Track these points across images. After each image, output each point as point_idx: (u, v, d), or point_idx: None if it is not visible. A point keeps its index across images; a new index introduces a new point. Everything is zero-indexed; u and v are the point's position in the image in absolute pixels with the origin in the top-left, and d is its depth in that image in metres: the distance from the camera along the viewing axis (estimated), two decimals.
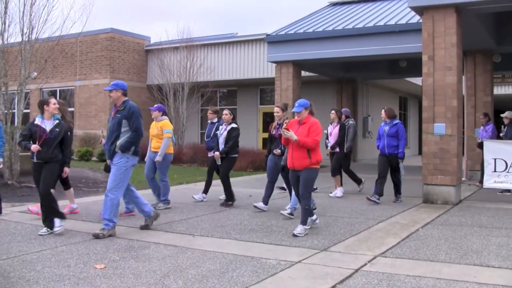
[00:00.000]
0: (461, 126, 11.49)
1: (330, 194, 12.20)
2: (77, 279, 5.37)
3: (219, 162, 10.52)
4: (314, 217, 8.11)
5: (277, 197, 11.53)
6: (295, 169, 7.81)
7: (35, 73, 15.66)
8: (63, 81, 27.29)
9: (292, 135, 7.62)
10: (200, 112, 27.30)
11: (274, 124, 10.06)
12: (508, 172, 10.82)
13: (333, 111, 12.53)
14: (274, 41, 18.62)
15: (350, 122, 12.75)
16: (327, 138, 12.49)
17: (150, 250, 6.72)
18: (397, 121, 11.10)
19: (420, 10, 11.24)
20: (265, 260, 6.17)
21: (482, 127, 14.13)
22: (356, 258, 6.26)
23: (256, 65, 24.76)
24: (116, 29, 26.53)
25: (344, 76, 23.45)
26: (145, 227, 8.09)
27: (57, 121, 8.09)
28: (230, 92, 27.68)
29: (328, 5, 23.10)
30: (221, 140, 10.52)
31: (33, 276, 5.48)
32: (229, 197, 10.55)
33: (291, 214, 9.08)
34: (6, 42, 14.15)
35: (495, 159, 10.95)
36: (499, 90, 30.12)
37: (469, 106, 16.14)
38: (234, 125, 10.59)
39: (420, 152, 26.18)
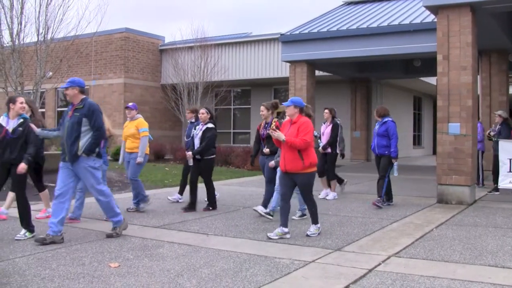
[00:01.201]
0: (476, 126, 11.41)
1: (319, 196, 11.49)
2: (92, 277, 5.41)
3: (190, 163, 9.97)
4: (287, 229, 7.45)
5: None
6: (287, 172, 7.42)
7: (50, 73, 15.79)
8: None
9: (280, 135, 7.29)
10: (214, 112, 27.35)
11: (262, 123, 9.62)
12: None
13: (326, 110, 12.07)
14: (288, 40, 18.61)
15: (338, 121, 12.02)
16: (319, 138, 11.90)
17: (164, 249, 6.75)
18: (387, 119, 10.48)
19: (435, 9, 11.18)
20: (278, 259, 6.17)
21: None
22: (370, 258, 6.25)
23: (270, 64, 24.76)
24: (131, 29, 26.65)
25: (358, 76, 23.40)
26: (42, 241, 7.00)
27: (22, 120, 7.60)
28: (244, 91, 27.71)
29: (342, 5, 23.05)
30: (197, 141, 9.95)
31: (48, 274, 5.52)
32: (212, 203, 10.03)
33: (303, 215, 8.94)
34: (22, 42, 14.29)
35: (510, 159, 10.86)
36: None
37: (484, 106, 16.05)
38: (210, 125, 9.95)
39: (434, 152, 26.01)
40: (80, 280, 5.31)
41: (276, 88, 26.48)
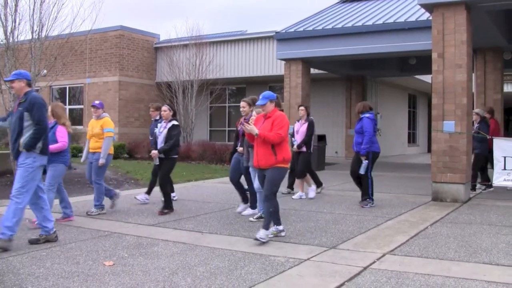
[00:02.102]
0: (471, 124, 11.43)
1: (293, 197, 11.26)
2: (86, 276, 5.39)
3: (156, 162, 9.57)
4: (281, 227, 7.36)
5: (281, 195, 11.54)
6: (261, 168, 7.19)
7: (45, 71, 15.73)
8: (72, 79, 27.38)
9: (253, 128, 7.04)
10: (209, 110, 27.37)
11: (241, 120, 9.09)
12: None
13: (302, 107, 11.65)
14: (283, 38, 18.61)
15: (311, 118, 11.66)
16: (292, 136, 11.56)
17: (158, 247, 6.74)
18: (364, 115, 10.16)
19: (430, 7, 11.18)
20: (273, 257, 6.17)
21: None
22: (364, 256, 6.25)
23: (265, 62, 24.75)
24: (126, 27, 26.57)
25: (354, 74, 23.41)
26: (35, 242, 6.90)
27: None
28: (239, 89, 27.68)
29: (337, 3, 23.06)
30: (160, 140, 9.47)
31: (43, 272, 5.50)
32: (167, 205, 9.40)
33: (261, 217, 8.43)
34: (16, 40, 14.22)
35: (505, 157, 10.88)
36: (509, 88, 29.90)
37: (479, 104, 16.07)
38: (174, 122, 9.49)
39: (429, 150, 26.12)
40: (75, 278, 5.29)
41: (271, 86, 26.44)
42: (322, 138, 19.04)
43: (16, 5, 13.98)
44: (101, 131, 9.47)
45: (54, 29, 14.93)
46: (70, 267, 5.71)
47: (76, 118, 27.37)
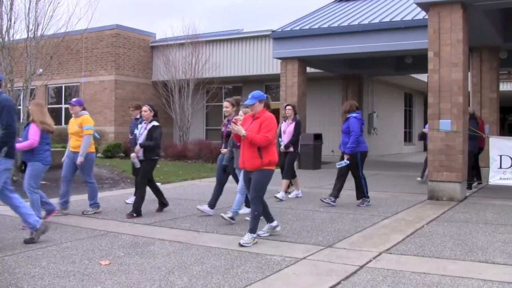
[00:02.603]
0: (467, 122, 11.44)
1: (290, 196, 11.18)
2: (82, 275, 5.38)
3: (137, 165, 9.20)
4: (275, 223, 7.32)
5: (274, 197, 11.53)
6: (246, 170, 7.04)
7: (41, 70, 15.70)
8: (68, 78, 27.33)
9: (240, 129, 6.84)
10: (205, 109, 27.35)
11: (225, 121, 9.17)
12: None
13: (289, 106, 11.38)
14: (279, 37, 18.60)
15: (298, 118, 11.48)
16: (279, 136, 11.27)
17: (155, 246, 6.73)
18: (350, 114, 10.01)
19: (426, 6, 11.19)
20: (269, 256, 6.17)
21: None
22: (361, 255, 6.25)
23: (261, 61, 24.74)
24: (122, 26, 26.52)
25: (350, 73, 23.41)
26: (30, 241, 6.83)
27: None
28: (236, 88, 27.65)
29: (334, 1, 23.05)
30: (140, 141, 9.14)
31: (38, 272, 5.49)
32: (137, 209, 8.96)
33: (232, 218, 8.23)
34: (12, 39, 14.18)
35: (501, 156, 10.90)
36: (505, 87, 29.99)
37: (474, 102, 16.08)
38: (155, 123, 9.18)
39: (425, 149, 26.16)
40: (71, 278, 5.28)
41: (267, 85, 26.45)
42: (318, 137, 19.05)
43: (11, 4, 13.96)
44: (80, 129, 9.20)
45: (50, 28, 14.92)
46: (66, 267, 5.70)
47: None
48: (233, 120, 7.02)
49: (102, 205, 9.62)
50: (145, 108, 9.30)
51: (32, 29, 14.38)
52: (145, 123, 9.30)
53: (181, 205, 10.12)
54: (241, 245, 6.64)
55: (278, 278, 5.34)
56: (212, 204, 9.04)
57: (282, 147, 11.11)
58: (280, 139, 11.24)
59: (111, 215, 9.08)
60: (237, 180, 8.89)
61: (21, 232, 7.53)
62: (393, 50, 16.98)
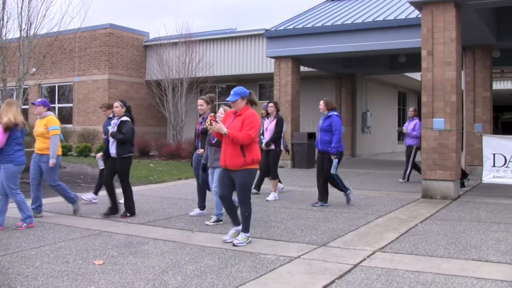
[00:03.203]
0: (460, 121, 11.48)
1: (268, 198, 10.71)
2: (76, 275, 5.37)
3: (101, 166, 9.04)
4: (249, 233, 6.91)
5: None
6: (227, 168, 6.76)
7: (34, 69, 15.67)
8: (61, 77, 27.25)
9: (221, 127, 6.58)
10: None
11: (199, 119, 8.93)
12: (507, 167, 10.81)
13: (271, 104, 11.21)
14: (273, 36, 18.59)
15: (280, 115, 11.30)
16: (262, 134, 11.11)
17: (149, 246, 6.72)
18: (332, 113, 9.77)
19: (419, 5, 11.22)
20: (264, 255, 6.16)
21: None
22: (355, 254, 6.26)
23: (255, 60, 24.73)
24: (115, 25, 26.46)
25: (343, 71, 23.43)
26: None
27: None
28: (229, 87, 27.54)
29: (327, 0, 23.04)
30: (111, 138, 8.86)
31: (32, 272, 5.47)
32: (129, 208, 8.84)
33: (218, 220, 8.17)
34: (4, 38, 14.16)
35: (494, 154, 10.93)
36: (498, 85, 30.08)
37: (468, 101, 16.12)
38: (124, 118, 8.87)
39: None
40: (64, 278, 5.27)
41: (261, 84, 26.46)
42: (312, 136, 19.06)
43: (3, 3, 13.94)
44: (46, 130, 8.75)
45: (43, 27, 14.95)
46: (60, 266, 5.68)
47: (65, 116, 27.23)
48: (210, 118, 6.77)
49: (96, 205, 9.59)
50: (116, 104, 9.04)
51: (25, 28, 14.36)
52: (116, 119, 9.01)
53: (175, 205, 10.10)
54: (235, 245, 6.60)
55: (272, 277, 5.34)
56: (202, 206, 8.97)
57: (263, 144, 10.91)
58: (262, 136, 11.08)
59: None
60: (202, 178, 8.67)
61: (14, 232, 7.50)
62: (386, 49, 17.01)
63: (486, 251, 6.32)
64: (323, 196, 9.96)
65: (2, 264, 5.78)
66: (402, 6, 17.42)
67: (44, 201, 9.29)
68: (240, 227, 6.90)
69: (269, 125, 11.07)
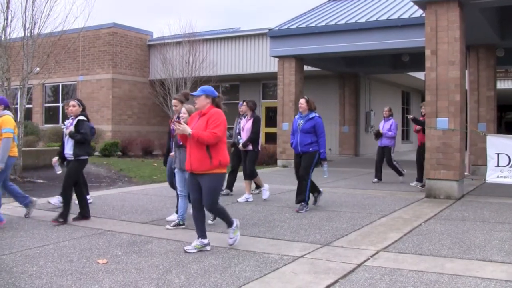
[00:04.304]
0: (464, 121, 11.46)
1: (239, 199, 10.45)
2: (80, 274, 5.37)
3: (58, 171, 8.57)
4: (206, 241, 6.47)
5: (278, 191, 11.54)
6: (193, 172, 6.35)
7: (38, 68, 15.68)
8: (65, 76, 27.30)
9: (185, 128, 6.18)
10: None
11: (174, 118, 8.26)
12: (511, 167, 10.78)
13: (244, 103, 10.87)
14: (276, 35, 18.59)
15: (257, 114, 10.91)
16: (239, 134, 10.83)
17: (152, 245, 6.72)
18: (314, 114, 9.40)
19: (423, 4, 11.20)
20: (267, 255, 6.16)
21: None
22: (358, 253, 6.26)
23: (258, 59, 24.73)
24: (119, 24, 26.50)
25: (347, 71, 23.42)
26: None
27: None
28: (233, 86, 27.64)
29: (331, 0, 23.04)
30: (67, 138, 8.36)
31: (36, 271, 5.48)
32: (65, 213, 8.17)
33: (179, 224, 7.82)
34: (8, 37, 14.15)
35: (498, 154, 10.91)
36: (502, 85, 30.04)
37: (472, 100, 16.10)
38: (80, 118, 8.35)
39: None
40: (68, 277, 5.27)
41: (264, 83, 26.46)
42: None
43: (8, 2, 13.93)
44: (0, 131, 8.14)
45: (47, 26, 14.89)
46: (64, 265, 5.69)
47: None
48: (175, 120, 6.43)
49: (100, 204, 9.60)
50: (73, 102, 8.49)
51: (29, 27, 14.36)
52: (72, 118, 8.47)
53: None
54: (230, 244, 6.52)
55: (276, 276, 5.34)
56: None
57: (240, 145, 10.66)
58: (239, 137, 10.81)
59: (109, 213, 9.06)
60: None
61: (18, 231, 7.52)
62: (390, 48, 17.00)
63: (490, 251, 6.30)
64: (315, 191, 9.74)
65: (6, 263, 5.79)
66: (405, 6, 17.40)
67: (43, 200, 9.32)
68: (206, 240, 6.44)
69: (246, 125, 10.64)
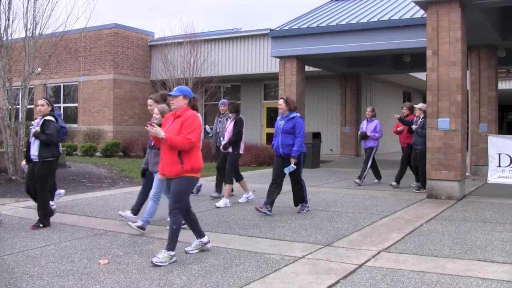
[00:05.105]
0: (465, 121, 11.44)
1: (240, 200, 10.43)
2: (81, 274, 5.38)
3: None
4: (206, 239, 6.37)
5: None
6: (166, 176, 6.15)
7: (39, 69, 15.68)
8: (66, 77, 27.32)
9: (158, 131, 5.94)
10: (203, 107, 27.31)
11: (153, 118, 7.87)
12: None
13: (221, 104, 10.77)
14: (278, 36, 18.58)
15: (240, 116, 10.52)
16: (220, 133, 10.70)
17: (154, 245, 6.73)
18: (295, 114, 9.09)
19: (424, 5, 11.20)
20: (268, 255, 6.17)
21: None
22: (360, 254, 6.26)
23: (260, 60, 24.73)
24: (120, 25, 26.52)
25: (348, 71, 23.42)
26: None
27: None
28: (234, 87, 27.66)
29: (332, 0, 23.02)
30: (32, 140, 8.01)
31: (37, 271, 5.49)
32: (43, 218, 7.86)
33: (141, 227, 7.46)
34: (10, 38, 14.16)
35: (499, 154, 10.90)
36: (503, 85, 30.01)
37: (473, 101, 16.09)
38: (47, 118, 7.98)
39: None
40: (70, 277, 5.28)
41: (266, 84, 26.46)
42: (317, 135, 19.07)
43: (9, 3, 13.92)
44: None
45: (48, 27, 14.91)
46: (65, 266, 5.69)
47: (71, 116, 27.32)
48: (148, 123, 6.14)
49: (101, 204, 9.60)
50: (41, 101, 8.14)
51: (30, 28, 14.35)
52: (39, 118, 8.14)
53: None
54: (153, 264, 5.73)
55: (277, 277, 5.34)
56: (136, 210, 8.17)
57: (221, 147, 10.43)
58: (221, 138, 10.58)
59: (110, 214, 9.07)
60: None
61: (19, 231, 7.53)
62: (391, 49, 16.98)
63: (492, 251, 6.30)
64: (298, 199, 9.33)
65: (8, 263, 5.80)
66: (407, 6, 17.40)
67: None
68: (205, 239, 6.34)
69: (228, 126, 10.37)
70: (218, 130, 11.01)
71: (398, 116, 12.86)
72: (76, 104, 27.27)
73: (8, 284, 5.05)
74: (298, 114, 9.15)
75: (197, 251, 6.31)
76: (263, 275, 5.36)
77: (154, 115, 7.39)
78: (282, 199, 10.62)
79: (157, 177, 7.42)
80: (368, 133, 13.59)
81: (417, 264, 5.74)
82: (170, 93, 6.25)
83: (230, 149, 10.22)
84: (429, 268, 5.59)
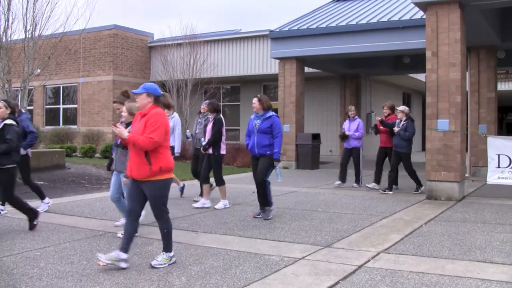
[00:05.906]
0: (465, 122, 11.45)
1: (195, 205, 10.02)
2: (80, 275, 5.38)
3: None
4: (124, 256, 5.71)
5: (278, 193, 11.53)
6: (134, 179, 5.84)
7: (39, 70, 15.70)
8: (66, 78, 27.32)
9: (121, 132, 5.74)
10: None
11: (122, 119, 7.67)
12: (511, 168, 10.77)
13: (204, 104, 10.60)
14: (277, 37, 18.60)
15: (219, 116, 10.16)
16: (200, 134, 10.50)
17: (153, 246, 6.72)
18: (271, 113, 8.83)
19: (424, 6, 11.21)
20: (268, 256, 6.16)
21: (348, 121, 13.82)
22: (359, 255, 6.26)
23: (259, 61, 24.74)
24: (119, 26, 26.52)
25: (348, 72, 23.43)
26: None
27: None
28: (233, 88, 27.66)
29: (332, 1, 23.04)
30: None
31: (37, 272, 5.48)
32: (30, 213, 7.74)
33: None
34: (9, 39, 14.16)
35: (499, 155, 10.90)
36: (503, 86, 30.00)
37: (472, 102, 16.10)
38: (7, 122, 7.48)
39: (423, 148, 26.17)
40: (69, 278, 5.28)
41: (265, 85, 26.46)
42: (316, 137, 19.07)
43: (9, 4, 13.94)
44: None
45: (48, 28, 14.91)
46: (64, 267, 5.69)
47: (70, 117, 27.32)
48: (112, 123, 5.92)
49: (100, 206, 9.58)
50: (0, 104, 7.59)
51: (29, 29, 14.37)
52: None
53: (179, 205, 10.10)
54: (152, 267, 5.69)
55: (277, 278, 5.34)
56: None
57: (201, 148, 10.16)
58: (202, 139, 10.24)
59: (109, 215, 9.07)
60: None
61: (19, 233, 7.52)
62: (391, 50, 17.00)
63: (491, 252, 6.30)
64: (263, 202, 8.91)
65: (7, 265, 5.79)
66: (406, 7, 17.41)
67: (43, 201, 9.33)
68: (124, 255, 5.71)
69: (209, 126, 10.02)
70: (197, 131, 10.81)
71: (379, 118, 12.68)
72: (75, 106, 27.27)
73: (7, 285, 5.05)
74: (274, 114, 8.92)
75: (108, 262, 5.63)
76: (263, 276, 5.36)
77: (122, 113, 7.27)
78: (281, 200, 10.62)
79: (113, 177, 7.42)
80: (347, 132, 13.38)
81: (416, 265, 5.74)
82: (133, 90, 6.07)
83: (210, 150, 9.89)
84: (428, 269, 5.58)
